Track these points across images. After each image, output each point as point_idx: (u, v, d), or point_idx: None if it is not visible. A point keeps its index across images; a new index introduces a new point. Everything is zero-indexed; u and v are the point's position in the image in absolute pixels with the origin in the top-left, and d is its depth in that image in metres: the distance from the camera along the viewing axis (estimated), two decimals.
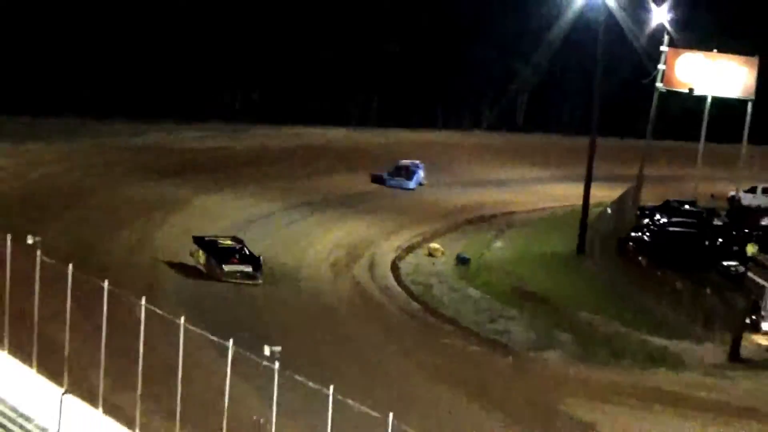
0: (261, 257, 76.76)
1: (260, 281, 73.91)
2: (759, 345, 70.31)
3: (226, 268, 72.72)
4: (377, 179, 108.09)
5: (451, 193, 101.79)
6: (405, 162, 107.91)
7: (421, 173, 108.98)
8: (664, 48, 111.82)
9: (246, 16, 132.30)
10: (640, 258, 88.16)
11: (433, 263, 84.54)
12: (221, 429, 39.25)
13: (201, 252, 75.37)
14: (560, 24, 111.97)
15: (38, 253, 47.96)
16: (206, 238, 77.54)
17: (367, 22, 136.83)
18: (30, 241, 48.32)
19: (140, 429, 42.81)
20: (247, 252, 76.61)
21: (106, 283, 44.63)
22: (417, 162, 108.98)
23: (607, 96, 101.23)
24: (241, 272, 73.22)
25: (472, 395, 57.45)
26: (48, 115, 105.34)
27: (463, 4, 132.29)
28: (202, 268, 74.80)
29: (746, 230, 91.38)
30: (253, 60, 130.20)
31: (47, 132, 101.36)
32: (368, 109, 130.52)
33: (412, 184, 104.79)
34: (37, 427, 46.46)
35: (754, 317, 72.08)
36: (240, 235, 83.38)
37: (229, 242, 77.37)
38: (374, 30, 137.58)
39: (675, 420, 57.53)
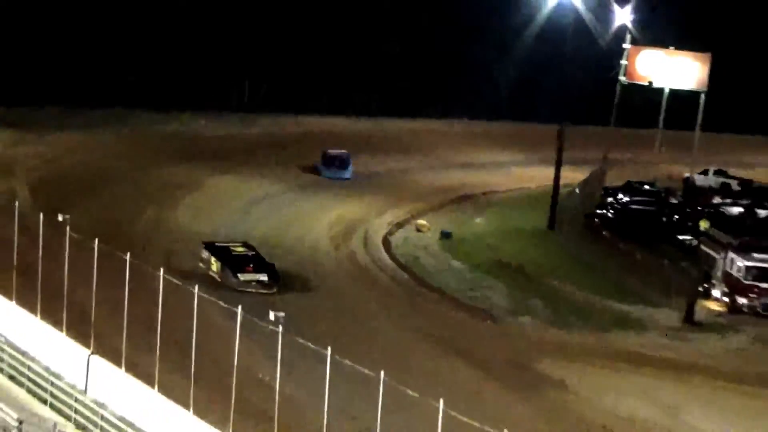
0: (275, 265, 68.06)
1: (275, 290, 64.64)
2: (710, 310, 70.43)
3: (242, 277, 64.13)
4: (313, 170, 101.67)
5: (437, 175, 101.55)
6: (333, 151, 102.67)
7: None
8: (626, 45, 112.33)
9: (256, 16, 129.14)
10: (604, 232, 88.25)
11: (420, 238, 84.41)
12: (231, 386, 39.24)
13: (214, 260, 66.72)
14: (534, 24, 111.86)
15: (67, 229, 47.89)
16: (217, 244, 69.32)
17: (368, 20, 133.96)
18: (60, 218, 48.20)
19: (159, 386, 42.75)
20: (261, 259, 68.11)
21: (128, 256, 44.65)
22: (345, 151, 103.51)
23: (577, 88, 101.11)
24: (257, 281, 64.48)
25: (456, 355, 57.57)
26: (78, 107, 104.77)
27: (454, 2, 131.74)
28: (215, 276, 65.89)
29: (699, 208, 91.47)
30: (260, 56, 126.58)
31: (78, 123, 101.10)
32: (368, 101, 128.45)
33: (347, 174, 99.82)
34: (67, 384, 46.35)
35: (706, 285, 72.25)
36: (248, 212, 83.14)
37: (241, 249, 68.64)
38: (374, 28, 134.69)
39: (637, 377, 57.68)
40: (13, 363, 49.02)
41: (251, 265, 65.01)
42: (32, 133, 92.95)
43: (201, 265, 66.23)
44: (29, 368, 48.43)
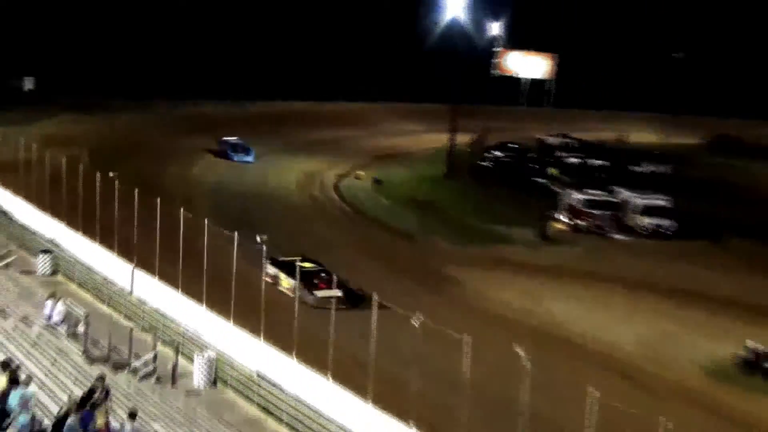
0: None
1: (348, 306, 47.53)
2: (558, 229, 70.99)
3: (319, 294, 48.85)
4: (221, 155, 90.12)
5: (368, 141, 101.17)
6: (231, 139, 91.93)
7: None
8: (497, 49, 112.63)
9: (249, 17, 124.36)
10: (485, 178, 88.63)
11: (359, 184, 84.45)
12: (231, 286, 39.50)
13: (284, 276, 51.23)
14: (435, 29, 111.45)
15: (116, 183, 47.87)
16: (282, 260, 51.99)
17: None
18: (110, 175, 48.18)
19: (182, 288, 43.04)
20: (330, 274, 50.84)
21: (158, 200, 44.73)
22: (238, 138, 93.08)
23: (467, 77, 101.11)
24: (334, 298, 44.51)
25: (383, 261, 58.12)
26: (118, 96, 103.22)
27: None
28: (287, 292, 49.83)
29: (549, 160, 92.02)
30: (255, 49, 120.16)
31: (117, 107, 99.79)
32: (334, 85, 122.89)
33: (251, 158, 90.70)
34: (118, 288, 46.51)
35: (555, 213, 72.81)
36: (243, 169, 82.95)
37: (308, 264, 50.62)
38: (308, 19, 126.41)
39: (509, 276, 58.78)
40: (82, 274, 49.11)
41: (325, 282, 49.72)
42: (87, 115, 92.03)
43: (267, 280, 46.72)
44: (92, 278, 48.60)
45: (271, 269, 50.49)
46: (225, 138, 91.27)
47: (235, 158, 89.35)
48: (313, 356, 36.12)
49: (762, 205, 79.55)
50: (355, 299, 48.48)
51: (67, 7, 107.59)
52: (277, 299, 44.43)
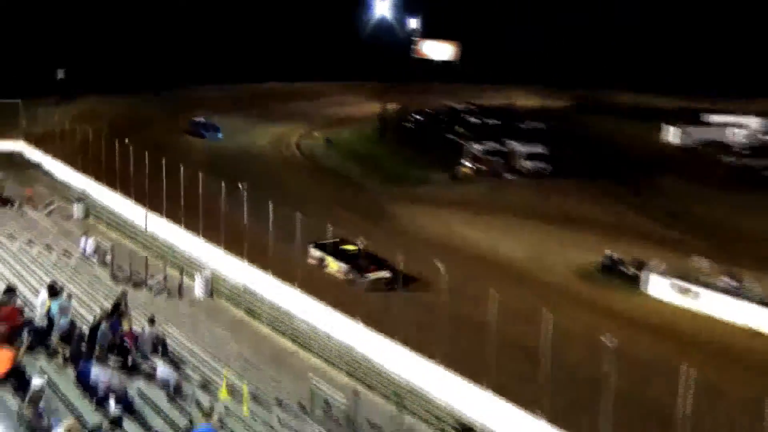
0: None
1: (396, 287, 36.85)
2: (465, 173, 71.13)
3: (371, 276, 41.22)
4: (194, 134, 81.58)
5: (325, 110, 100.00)
6: (200, 119, 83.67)
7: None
8: (415, 38, 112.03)
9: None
10: (409, 137, 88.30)
11: (315, 143, 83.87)
12: (221, 221, 39.40)
13: (332, 260, 43.17)
14: (370, 24, 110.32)
15: (131, 148, 47.44)
16: (325, 243, 43.51)
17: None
18: (126, 141, 47.76)
19: (185, 225, 42.93)
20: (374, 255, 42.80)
21: (164, 160, 44.39)
22: (205, 118, 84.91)
23: (394, 61, 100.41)
24: (382, 279, 40.70)
25: (335, 202, 57.85)
26: (127, 83, 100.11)
27: None
28: (335, 274, 42.51)
29: (457, 121, 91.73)
30: (239, 41, 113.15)
31: (131, 91, 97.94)
32: (299, 69, 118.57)
33: (220, 135, 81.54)
34: (136, 226, 46.22)
35: (461, 160, 73.05)
36: (229, 135, 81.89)
37: (350, 246, 43.33)
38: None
39: (430, 207, 58.80)
40: (108, 217, 48.74)
41: (374, 265, 41.89)
42: (108, 98, 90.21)
43: (312, 262, 43.05)
44: (116, 219, 48.30)
45: (316, 252, 43.59)
46: (194, 118, 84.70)
47: (207, 135, 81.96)
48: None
49: (616, 151, 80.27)
50: (404, 280, 37.39)
51: (91, 9, 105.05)
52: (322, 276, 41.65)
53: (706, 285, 42.68)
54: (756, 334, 38.46)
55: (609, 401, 24.38)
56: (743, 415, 22.37)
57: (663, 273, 44.40)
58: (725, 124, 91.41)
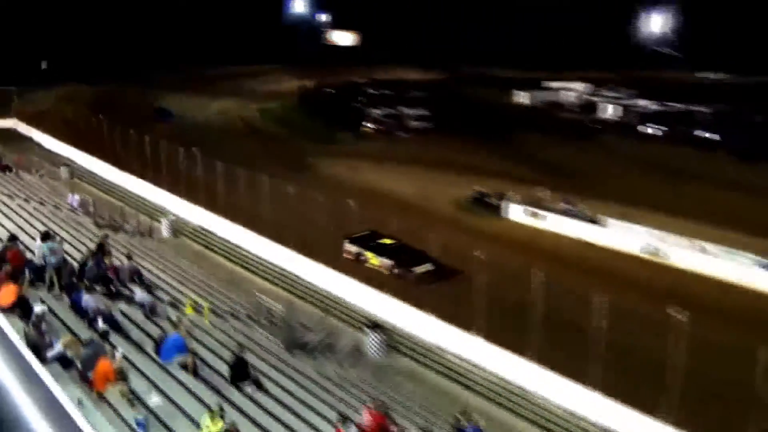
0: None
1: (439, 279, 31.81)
2: (367, 132, 70.99)
3: (417, 270, 32.33)
4: (160, 119, 72.23)
5: (261, 87, 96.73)
6: (159, 104, 77.66)
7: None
8: (326, 29, 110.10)
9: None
10: (324, 106, 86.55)
11: (253, 114, 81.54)
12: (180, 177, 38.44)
13: (371, 254, 33.95)
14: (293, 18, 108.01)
15: (104, 123, 45.73)
16: (361, 237, 34.99)
17: None
18: (101, 116, 45.92)
19: (150, 179, 41.73)
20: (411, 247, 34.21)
21: (132, 130, 42.92)
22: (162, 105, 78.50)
23: (311, 47, 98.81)
24: (428, 272, 32.31)
25: (267, 157, 57.07)
26: (103, 72, 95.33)
27: None
28: (381, 270, 32.95)
29: (360, 93, 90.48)
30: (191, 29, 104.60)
31: (105, 80, 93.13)
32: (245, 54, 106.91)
33: (173, 119, 72.81)
34: (112, 182, 44.66)
35: (364, 122, 72.88)
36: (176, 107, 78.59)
37: (388, 240, 34.68)
38: None
39: (342, 160, 58.25)
40: (88, 177, 46.96)
41: (414, 258, 33.08)
42: (86, 85, 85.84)
43: (348, 257, 34.18)
44: (94, 179, 46.63)
45: (352, 247, 34.68)
46: (156, 106, 78.19)
47: (168, 120, 73.03)
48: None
49: (482, 111, 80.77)
50: (446, 272, 31.75)
51: (71, 6, 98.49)
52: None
53: (550, 209, 43.81)
54: (588, 245, 39.70)
55: (481, 298, 25.05)
56: (577, 301, 23.32)
57: (518, 202, 45.36)
58: (560, 89, 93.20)
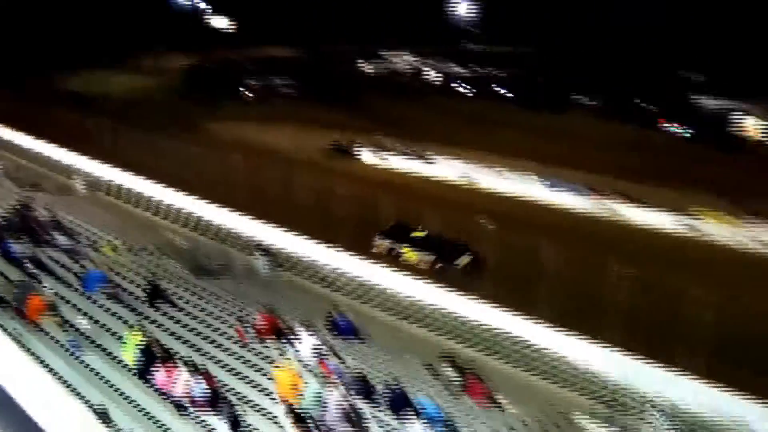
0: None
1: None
2: (246, 98, 68.25)
3: (458, 262, 24.34)
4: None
5: (159, 65, 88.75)
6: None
7: None
8: (205, 14, 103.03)
9: None
10: (207, 79, 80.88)
11: (147, 85, 75.61)
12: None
13: (409, 248, 25.24)
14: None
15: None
16: (389, 230, 26.16)
17: None
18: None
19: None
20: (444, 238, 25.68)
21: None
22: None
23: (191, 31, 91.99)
24: (468, 263, 24.39)
25: (166, 122, 53.29)
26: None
27: None
28: (419, 265, 24.44)
29: (239, 67, 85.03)
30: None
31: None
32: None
33: None
34: (26, 150, 40.43)
35: (244, 90, 70.20)
36: None
37: (419, 233, 25.66)
38: None
39: (227, 121, 55.35)
40: (5, 146, 42.31)
41: (450, 248, 25.09)
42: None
43: (378, 252, 25.41)
44: (12, 146, 42.04)
45: (384, 242, 26.02)
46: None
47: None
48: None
49: (336, 78, 78.97)
50: (481, 262, 24.02)
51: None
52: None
53: (391, 152, 44.68)
54: (426, 180, 40.75)
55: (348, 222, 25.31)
56: (417, 218, 23.95)
57: (367, 148, 45.82)
58: (396, 60, 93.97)
